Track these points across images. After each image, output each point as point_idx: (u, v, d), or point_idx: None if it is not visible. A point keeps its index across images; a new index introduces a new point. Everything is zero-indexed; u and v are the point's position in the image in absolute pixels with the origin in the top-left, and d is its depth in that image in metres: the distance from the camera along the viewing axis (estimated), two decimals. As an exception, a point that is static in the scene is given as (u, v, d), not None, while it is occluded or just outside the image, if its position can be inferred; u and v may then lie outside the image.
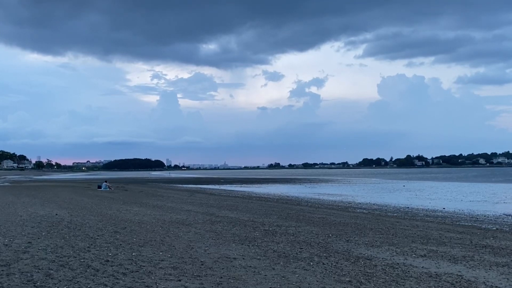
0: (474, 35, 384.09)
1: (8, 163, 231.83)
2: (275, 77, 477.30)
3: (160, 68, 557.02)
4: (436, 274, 7.29)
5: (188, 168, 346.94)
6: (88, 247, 9.06)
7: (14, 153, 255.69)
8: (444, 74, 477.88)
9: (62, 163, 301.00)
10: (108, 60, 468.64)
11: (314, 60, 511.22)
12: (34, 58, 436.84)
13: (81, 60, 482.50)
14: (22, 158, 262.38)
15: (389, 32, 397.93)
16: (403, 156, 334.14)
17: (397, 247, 9.80)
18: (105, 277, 6.64)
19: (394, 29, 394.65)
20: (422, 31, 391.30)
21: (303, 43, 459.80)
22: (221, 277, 6.76)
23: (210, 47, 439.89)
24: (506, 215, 20.32)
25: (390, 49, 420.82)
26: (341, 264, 7.88)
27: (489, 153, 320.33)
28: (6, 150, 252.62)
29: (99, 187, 35.88)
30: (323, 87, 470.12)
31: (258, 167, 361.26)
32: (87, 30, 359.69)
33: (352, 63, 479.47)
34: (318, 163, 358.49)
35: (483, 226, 15.53)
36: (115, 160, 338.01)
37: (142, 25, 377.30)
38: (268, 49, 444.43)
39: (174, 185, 54.18)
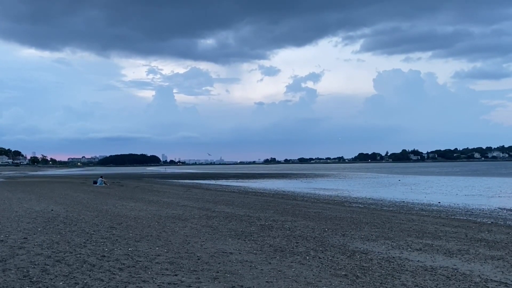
0: (473, 30, 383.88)
1: (3, 159, 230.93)
2: (271, 72, 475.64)
3: (157, 63, 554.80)
4: (432, 268, 7.33)
5: (183, 163, 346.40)
6: (84, 242, 9.05)
7: (9, 149, 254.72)
8: (441, 69, 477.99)
9: (57, 159, 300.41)
10: (105, 55, 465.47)
11: (311, 55, 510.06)
12: (28, 54, 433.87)
13: (78, 56, 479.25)
14: (17, 154, 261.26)
15: (387, 27, 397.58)
16: (398, 150, 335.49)
17: (392, 241, 9.84)
18: (101, 272, 6.64)
19: (393, 24, 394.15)
20: (421, 26, 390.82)
21: (301, 39, 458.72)
22: (218, 272, 6.77)
23: (208, 42, 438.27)
24: (501, 209, 20.42)
25: (387, 44, 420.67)
26: (337, 258, 7.90)
27: (484, 148, 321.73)
28: (1, 146, 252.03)
29: (95, 182, 35.83)
30: (319, 82, 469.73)
31: (254, 162, 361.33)
32: (85, 25, 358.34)
33: (349, 58, 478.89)
34: (314, 158, 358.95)
35: (478, 220, 15.60)
36: (111, 155, 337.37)
37: (140, 21, 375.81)
38: (266, 45, 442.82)
39: (170, 180, 54.14)
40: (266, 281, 6.33)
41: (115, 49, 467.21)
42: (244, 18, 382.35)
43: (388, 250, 8.85)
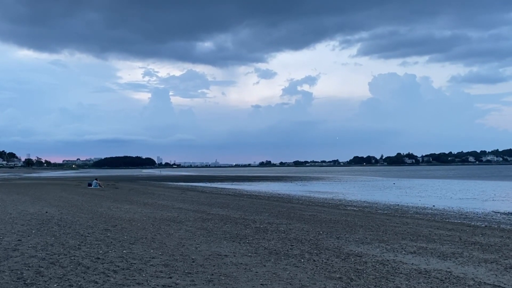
0: (471, 34, 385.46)
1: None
2: (267, 75, 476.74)
3: (154, 65, 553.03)
4: (426, 271, 7.36)
5: (179, 166, 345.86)
6: (78, 244, 9.02)
7: (3, 151, 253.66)
8: (437, 73, 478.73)
9: (52, 161, 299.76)
10: (104, 57, 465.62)
11: (308, 59, 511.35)
12: (24, 55, 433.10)
13: (76, 58, 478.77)
14: (12, 155, 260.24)
15: (385, 31, 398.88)
16: (393, 154, 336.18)
17: (387, 244, 9.86)
18: (96, 275, 6.62)
19: (391, 28, 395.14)
20: (419, 30, 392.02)
21: (299, 42, 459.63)
22: (212, 274, 6.78)
23: (206, 45, 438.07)
24: (495, 212, 20.51)
25: (384, 48, 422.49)
26: (332, 261, 7.92)
27: (479, 151, 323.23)
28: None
29: (90, 184, 35.69)
30: (315, 85, 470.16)
31: (249, 165, 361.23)
32: (84, 27, 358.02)
33: (346, 62, 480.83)
34: (309, 161, 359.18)
35: (472, 223, 15.66)
36: (106, 158, 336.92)
37: (138, 23, 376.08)
38: (264, 48, 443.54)
39: (165, 183, 54.03)
40: (261, 284, 6.34)
41: (113, 51, 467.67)
42: (243, 21, 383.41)
43: (383, 253, 8.87)
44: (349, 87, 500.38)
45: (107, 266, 7.19)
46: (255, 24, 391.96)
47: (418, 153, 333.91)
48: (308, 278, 6.71)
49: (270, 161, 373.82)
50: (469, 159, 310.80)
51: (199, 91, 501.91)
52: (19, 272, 6.67)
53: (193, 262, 7.60)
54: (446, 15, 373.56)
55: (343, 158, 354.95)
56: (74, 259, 7.65)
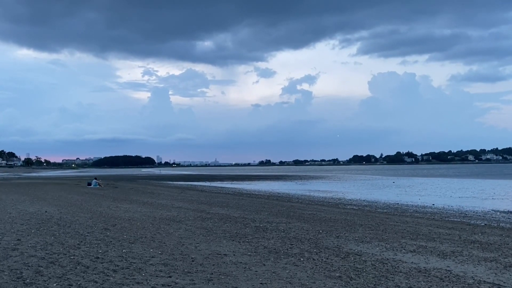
0: (470, 33, 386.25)
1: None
2: (267, 74, 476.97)
3: (153, 65, 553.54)
4: (425, 269, 7.36)
5: (178, 165, 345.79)
6: (78, 244, 9.02)
7: (3, 150, 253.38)
8: (437, 72, 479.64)
9: (52, 160, 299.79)
10: (104, 57, 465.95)
11: (307, 58, 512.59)
12: (23, 55, 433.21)
13: (76, 57, 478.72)
14: (11, 155, 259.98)
15: (385, 30, 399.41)
16: (393, 153, 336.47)
17: (386, 243, 9.86)
18: (95, 274, 6.62)
19: (391, 27, 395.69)
20: (418, 29, 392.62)
21: (299, 41, 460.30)
22: (212, 273, 6.77)
23: (206, 44, 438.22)
24: (495, 211, 20.51)
25: (384, 47, 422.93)
26: (331, 260, 7.92)
27: (478, 150, 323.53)
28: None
29: (89, 184, 35.67)
30: (315, 84, 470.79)
31: (248, 164, 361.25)
32: (83, 27, 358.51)
33: (346, 61, 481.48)
34: (308, 160, 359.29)
35: (472, 222, 15.67)
36: (105, 157, 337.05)
37: (138, 23, 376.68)
38: (264, 47, 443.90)
39: (165, 182, 54.00)
40: (260, 283, 6.34)
41: (113, 50, 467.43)
42: (243, 21, 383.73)
43: (382, 251, 8.87)
44: (348, 86, 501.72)
45: (106, 265, 7.18)
46: (254, 24, 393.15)
47: (418, 152, 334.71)
48: (307, 277, 6.71)
49: (269, 160, 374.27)
50: (469, 158, 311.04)
51: (199, 90, 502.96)
52: (18, 272, 6.67)
53: (192, 261, 7.60)
54: (446, 14, 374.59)
55: (343, 157, 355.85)
56: (74, 258, 7.64)
